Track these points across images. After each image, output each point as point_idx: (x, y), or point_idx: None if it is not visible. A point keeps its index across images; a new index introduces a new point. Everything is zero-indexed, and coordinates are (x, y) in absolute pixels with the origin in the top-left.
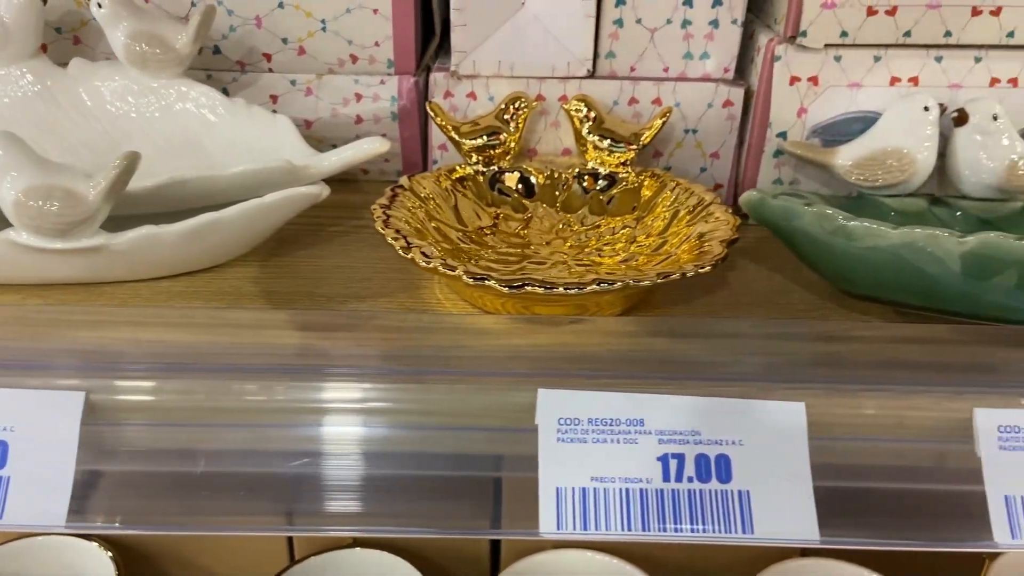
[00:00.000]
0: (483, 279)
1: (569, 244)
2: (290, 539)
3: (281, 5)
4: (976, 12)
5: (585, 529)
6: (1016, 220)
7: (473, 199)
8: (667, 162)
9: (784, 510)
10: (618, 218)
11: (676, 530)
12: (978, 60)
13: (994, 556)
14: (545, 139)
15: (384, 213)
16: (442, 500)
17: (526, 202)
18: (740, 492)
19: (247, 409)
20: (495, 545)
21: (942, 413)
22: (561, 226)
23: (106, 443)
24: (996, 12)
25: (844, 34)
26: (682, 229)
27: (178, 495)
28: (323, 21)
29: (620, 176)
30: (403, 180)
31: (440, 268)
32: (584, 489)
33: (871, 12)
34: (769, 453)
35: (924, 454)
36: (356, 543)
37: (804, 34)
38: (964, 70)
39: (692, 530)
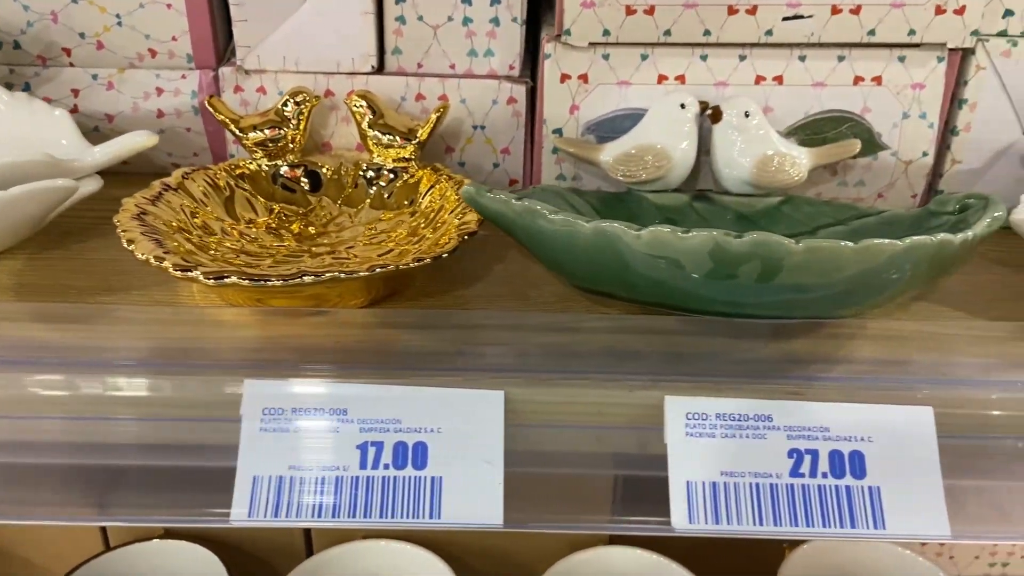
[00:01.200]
0: (188, 270)
1: (339, 238)
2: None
3: (75, 0)
4: (732, 11)
5: (276, 517)
6: (772, 215)
7: (251, 194)
8: (459, 158)
9: (476, 496)
10: (396, 212)
11: (366, 516)
12: (742, 58)
13: (793, 546)
14: (338, 133)
15: (138, 208)
16: (180, 491)
17: (311, 197)
18: (433, 478)
19: None
20: (308, 534)
21: (637, 401)
22: (340, 220)
23: None
24: (752, 11)
25: (607, 33)
26: (451, 220)
27: None
28: (118, 16)
29: (400, 171)
30: (175, 174)
31: (152, 261)
32: (281, 478)
33: (630, 11)
34: (466, 440)
35: (621, 440)
36: (168, 534)
37: (568, 32)
38: (729, 68)
39: (382, 516)
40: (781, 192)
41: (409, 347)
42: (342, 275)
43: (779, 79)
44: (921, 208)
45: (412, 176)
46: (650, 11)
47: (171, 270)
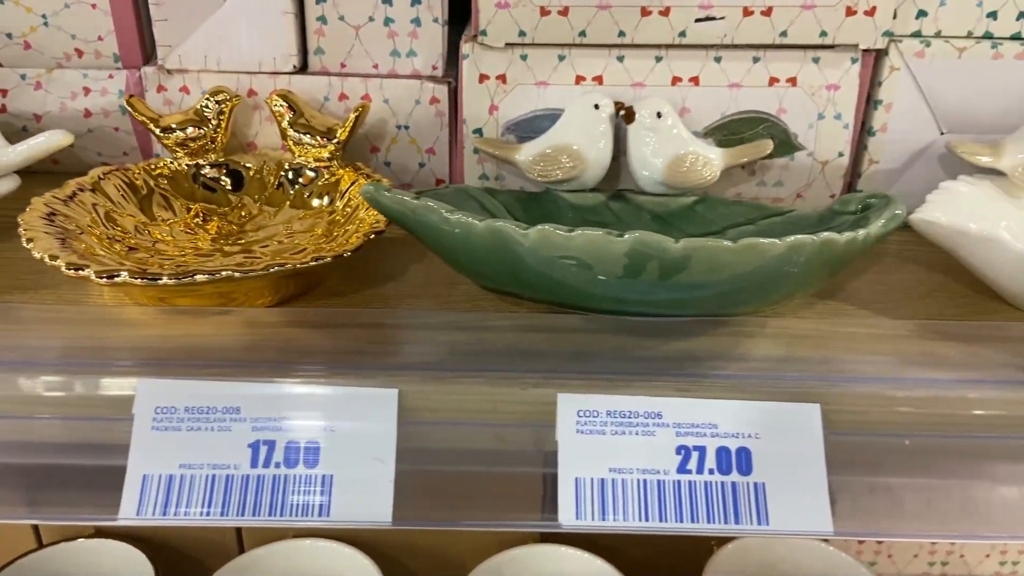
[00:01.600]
0: (80, 269)
1: (255, 237)
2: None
3: (1, 1)
4: (646, 12)
5: (164, 515)
6: (686, 214)
7: (171, 193)
8: (385, 158)
9: (366, 494)
10: (315, 211)
11: (255, 515)
12: (659, 59)
13: (721, 543)
14: (263, 133)
15: (48, 208)
16: (70, 489)
17: (232, 196)
18: (324, 477)
19: None
20: (239, 533)
21: (531, 398)
22: (260, 219)
23: None
24: (665, 12)
25: (523, 33)
26: (366, 219)
27: None
28: (44, 16)
29: (321, 170)
30: (91, 174)
31: (47, 259)
32: (171, 476)
33: (545, 12)
34: (358, 438)
35: (516, 437)
36: (98, 533)
37: (484, 33)
38: (646, 69)
39: (271, 515)
40: (695, 192)
41: (307, 346)
42: (236, 274)
43: (695, 80)
44: (826, 208)
45: (333, 175)
46: (564, 12)
47: (63, 269)
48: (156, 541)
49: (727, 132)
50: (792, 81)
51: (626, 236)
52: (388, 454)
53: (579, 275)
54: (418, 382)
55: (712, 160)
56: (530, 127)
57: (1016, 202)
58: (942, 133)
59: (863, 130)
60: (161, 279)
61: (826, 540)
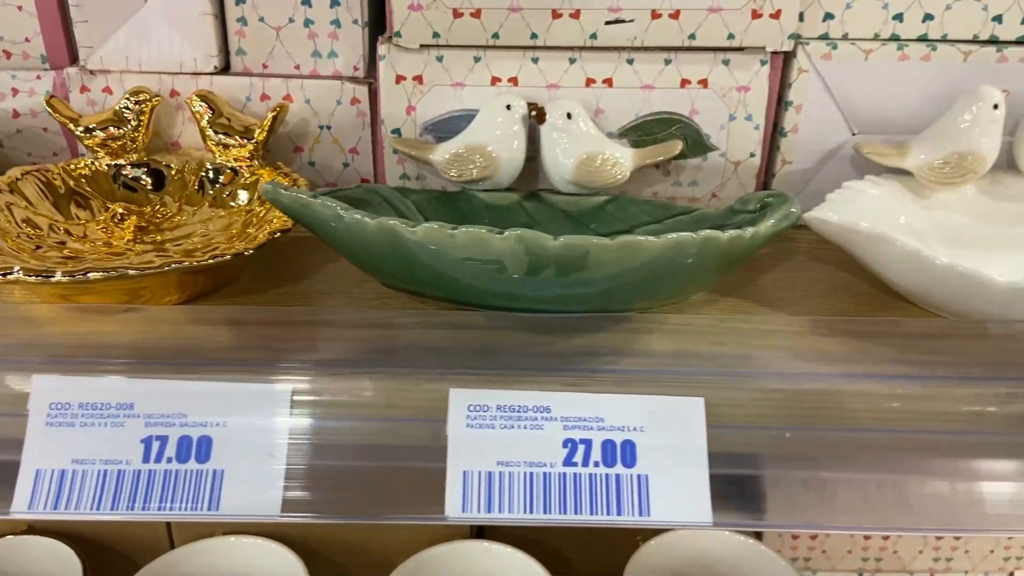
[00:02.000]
0: None
1: (172, 236)
2: None
3: None
4: (556, 15)
5: (56, 509)
6: (597, 213)
7: (90, 193)
8: (309, 158)
9: (257, 488)
10: (233, 210)
11: (145, 508)
12: (572, 61)
13: (647, 537)
14: (187, 133)
15: None
16: None
17: (152, 195)
18: (215, 472)
19: None
20: (169, 529)
21: (425, 394)
22: (179, 218)
23: None
24: (575, 15)
25: (437, 35)
26: (279, 218)
27: None
28: None
29: (241, 170)
30: (8, 174)
31: None
32: (64, 471)
33: (457, 14)
34: (250, 434)
35: (411, 433)
36: (30, 529)
37: (399, 34)
38: (560, 70)
39: (160, 508)
40: (607, 191)
41: (205, 343)
42: (131, 271)
43: (609, 81)
44: (728, 207)
45: (252, 175)
46: (476, 14)
47: None
48: (86, 537)
49: (641, 133)
50: (703, 83)
51: (506, 233)
52: (280, 449)
53: (465, 271)
54: (313, 378)
55: (622, 160)
56: (447, 127)
57: (922, 201)
58: (853, 134)
59: (775, 131)
60: (55, 276)
61: (757, 535)
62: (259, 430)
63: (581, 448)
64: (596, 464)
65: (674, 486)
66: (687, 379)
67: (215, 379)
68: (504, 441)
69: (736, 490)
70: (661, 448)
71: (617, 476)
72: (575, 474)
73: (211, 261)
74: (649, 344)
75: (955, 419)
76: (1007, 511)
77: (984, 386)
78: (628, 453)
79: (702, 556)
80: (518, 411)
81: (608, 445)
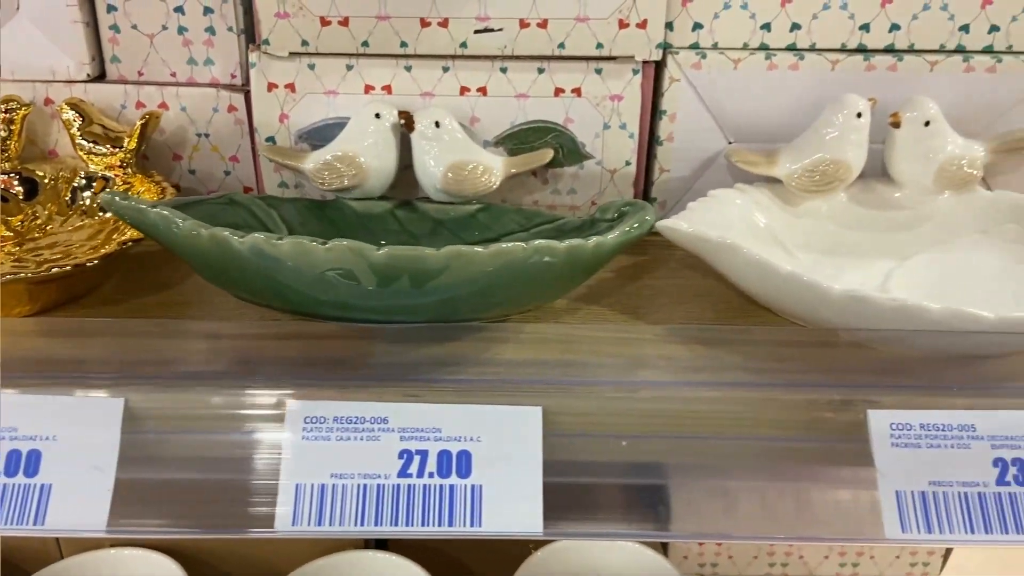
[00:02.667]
0: None
1: (36, 245)
2: None
3: None
4: (425, 23)
5: None
6: (468, 222)
7: None
8: (189, 166)
9: (84, 502)
10: (100, 219)
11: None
12: (446, 70)
13: (539, 545)
14: (63, 141)
15: None
16: None
17: (24, 204)
18: (43, 486)
19: None
20: (58, 541)
21: (260, 406)
22: (49, 227)
23: None
24: (444, 24)
25: (305, 43)
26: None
27: None
28: None
29: (114, 179)
30: None
31: None
32: None
33: (325, 22)
34: (80, 447)
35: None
36: None
37: (267, 42)
38: (434, 79)
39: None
40: (479, 199)
41: (43, 355)
42: None
43: (483, 90)
44: (589, 215)
45: (124, 183)
46: (344, 22)
47: None
48: None
49: (517, 141)
50: (577, 92)
51: (330, 244)
52: (109, 463)
53: (292, 280)
54: (147, 391)
55: (492, 168)
56: (322, 135)
57: (793, 209)
58: (729, 142)
59: (652, 139)
60: None
61: (664, 544)
62: (89, 444)
63: (416, 459)
64: (431, 475)
65: (507, 496)
66: (529, 388)
67: (45, 392)
68: (340, 453)
69: (571, 499)
70: (497, 458)
71: (451, 487)
72: (409, 485)
73: (56, 271)
74: (498, 353)
75: (791, 426)
76: (835, 519)
77: (819, 392)
78: (464, 463)
79: (595, 564)
80: (355, 422)
81: (444, 456)
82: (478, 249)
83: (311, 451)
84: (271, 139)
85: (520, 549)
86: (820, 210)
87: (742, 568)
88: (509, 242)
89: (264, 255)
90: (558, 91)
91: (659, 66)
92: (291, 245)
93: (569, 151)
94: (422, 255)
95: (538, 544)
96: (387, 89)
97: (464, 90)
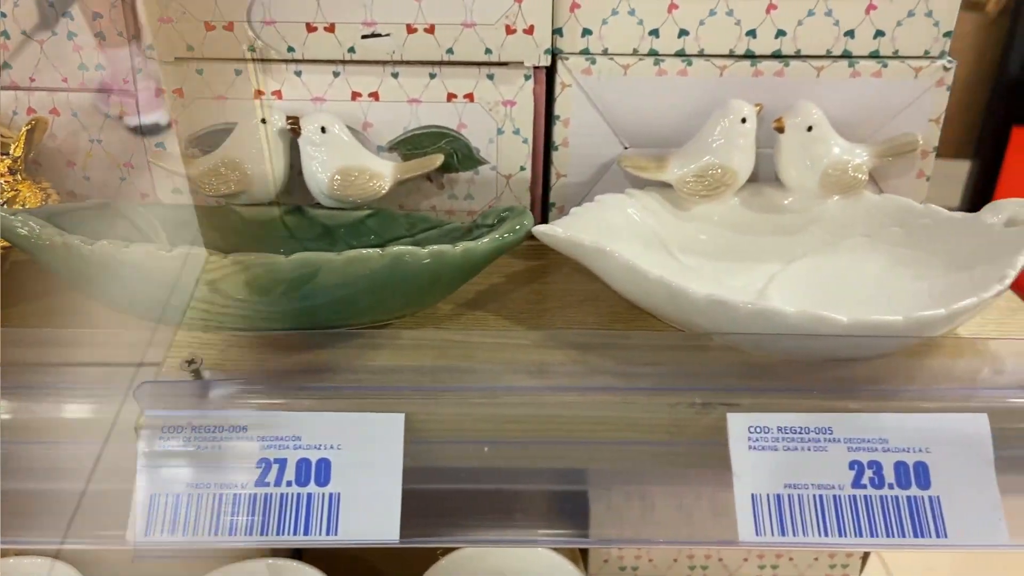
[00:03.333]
0: None
1: None
2: None
3: None
4: (311, 28)
5: None
6: (357, 227)
7: None
8: (83, 172)
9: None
10: None
11: None
12: (336, 75)
13: (446, 551)
14: None
15: None
16: None
17: None
18: None
19: None
20: None
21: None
22: None
23: None
24: (330, 29)
25: (191, 48)
26: None
27: None
28: None
29: (0, 185)
30: None
31: None
32: None
33: (209, 27)
34: None
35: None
36: None
37: (152, 48)
38: (324, 84)
39: None
40: (368, 205)
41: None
42: None
43: (375, 95)
44: (471, 221)
45: (12, 190)
46: (229, 27)
47: None
48: None
49: (411, 146)
50: (469, 97)
51: (174, 251)
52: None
53: (147, 289)
54: (19, 400)
55: (381, 174)
56: (212, 141)
57: (684, 213)
58: (625, 147)
59: (548, 144)
60: None
61: (583, 550)
62: None
63: (275, 468)
64: (289, 484)
65: (365, 503)
66: (394, 395)
67: None
68: (197, 463)
69: (429, 505)
70: (357, 465)
71: (309, 495)
72: (266, 494)
73: None
74: (371, 359)
75: (654, 430)
76: (690, 521)
77: (682, 396)
78: (323, 471)
79: (501, 569)
80: (213, 432)
81: (303, 464)
82: (331, 256)
83: (166, 459)
84: (161, 145)
85: (421, 555)
86: (711, 214)
87: (663, 571)
88: (396, 246)
89: (111, 263)
90: (451, 96)
91: (551, 72)
92: (140, 250)
93: (463, 156)
94: (268, 261)
95: (445, 551)
96: (277, 94)
97: (356, 95)
